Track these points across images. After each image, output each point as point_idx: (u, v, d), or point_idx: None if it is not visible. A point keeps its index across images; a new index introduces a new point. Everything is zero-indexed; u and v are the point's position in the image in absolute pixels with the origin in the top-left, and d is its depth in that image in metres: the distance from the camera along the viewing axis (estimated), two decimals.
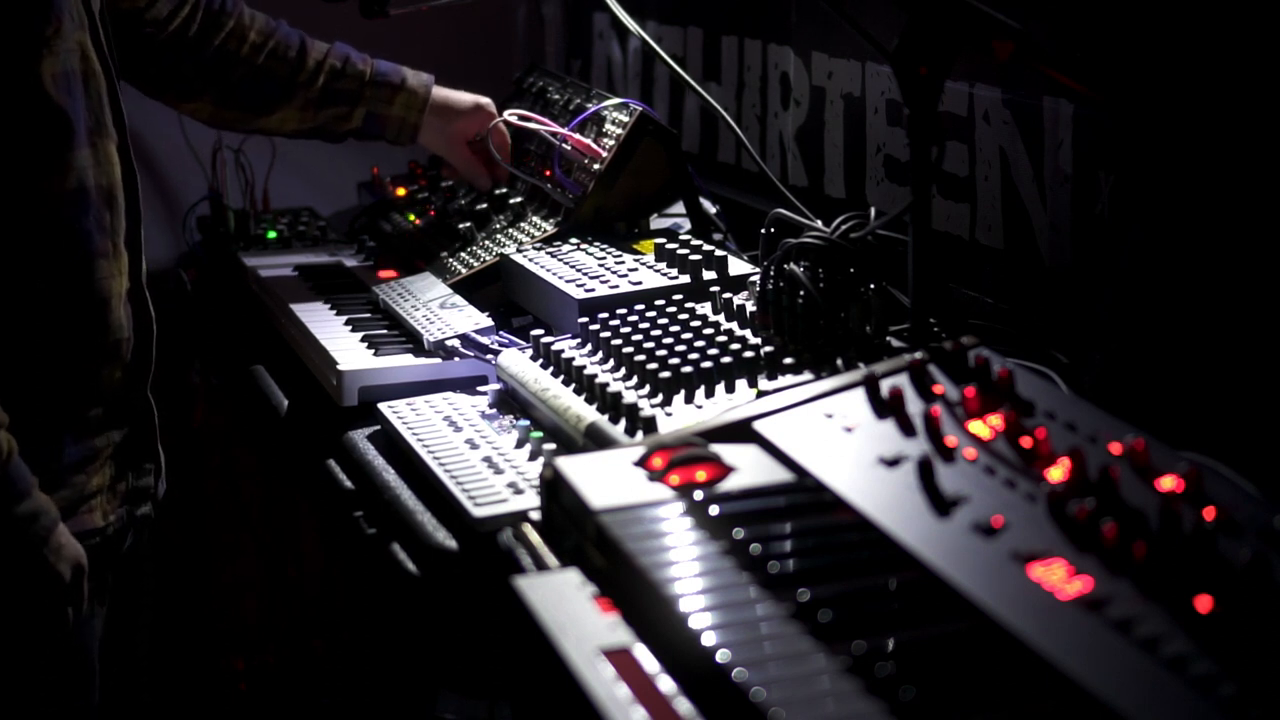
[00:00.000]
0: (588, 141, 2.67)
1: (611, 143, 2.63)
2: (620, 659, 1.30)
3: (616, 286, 2.31)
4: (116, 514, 2.14)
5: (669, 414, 1.90)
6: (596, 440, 1.90)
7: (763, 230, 2.38)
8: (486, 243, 2.70)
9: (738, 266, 2.37)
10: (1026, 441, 1.51)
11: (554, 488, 1.62)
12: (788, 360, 1.99)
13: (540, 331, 2.23)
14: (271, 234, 3.06)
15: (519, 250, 2.55)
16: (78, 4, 2.03)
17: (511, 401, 2.16)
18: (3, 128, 1.96)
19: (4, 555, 1.91)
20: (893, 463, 1.54)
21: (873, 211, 2.30)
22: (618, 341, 2.09)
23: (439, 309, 2.44)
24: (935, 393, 1.66)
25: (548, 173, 2.75)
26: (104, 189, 2.06)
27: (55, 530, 1.95)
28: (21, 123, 1.97)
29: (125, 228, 2.11)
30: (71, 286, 2.02)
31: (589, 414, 1.95)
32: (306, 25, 3.69)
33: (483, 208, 2.81)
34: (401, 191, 3.12)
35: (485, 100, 2.84)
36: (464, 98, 2.83)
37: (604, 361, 2.09)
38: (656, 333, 2.10)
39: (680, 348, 2.03)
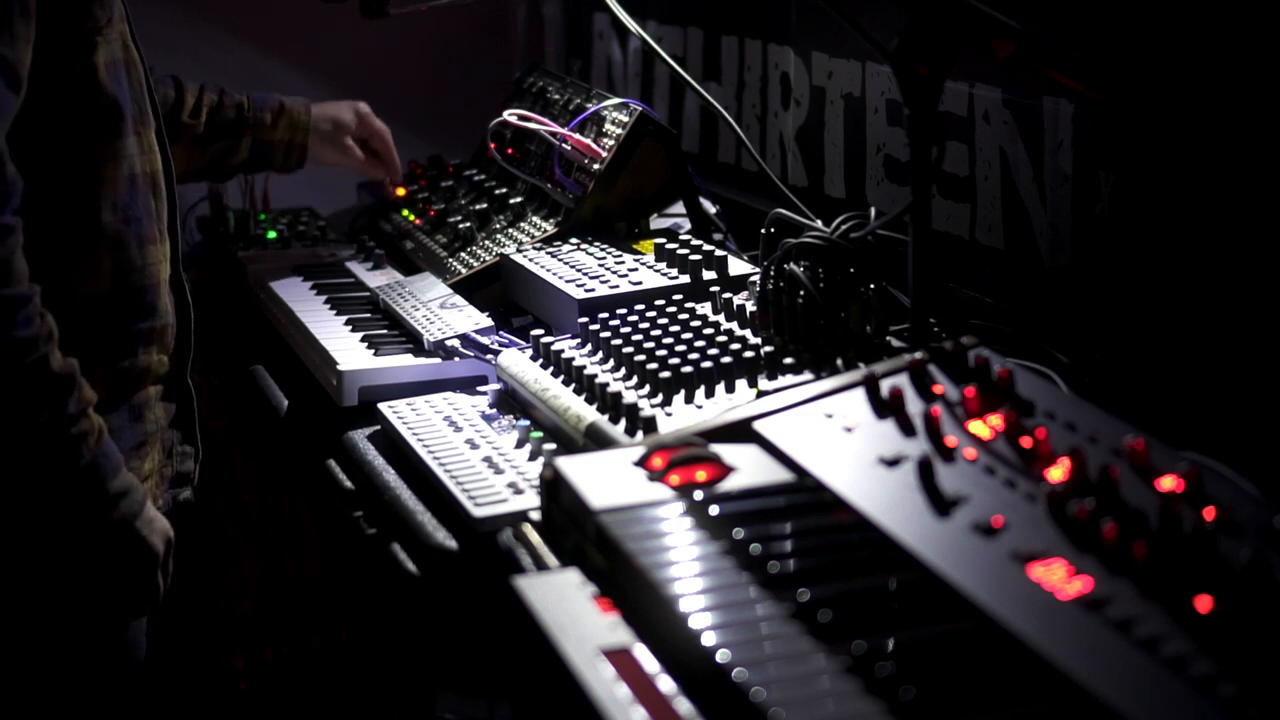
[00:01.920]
0: (588, 141, 2.67)
1: (611, 143, 2.63)
2: (620, 659, 1.30)
3: (616, 286, 2.31)
4: (164, 498, 2.16)
5: (669, 414, 1.90)
6: (596, 440, 1.90)
7: (763, 230, 2.38)
8: (486, 243, 2.70)
9: (738, 266, 2.37)
10: (1026, 441, 1.51)
11: (554, 488, 1.62)
12: (788, 360, 1.99)
13: (540, 331, 2.23)
14: (271, 234, 3.06)
15: (519, 250, 2.55)
16: None
17: (511, 401, 2.16)
18: (66, 115, 1.99)
19: (102, 530, 1.93)
20: (893, 463, 1.54)
21: (873, 211, 2.30)
22: (618, 341, 2.09)
23: (439, 309, 2.44)
24: (935, 393, 1.66)
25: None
26: (149, 175, 2.10)
27: (146, 504, 1.99)
28: (82, 110, 2.00)
29: (166, 214, 2.14)
30: (127, 273, 2.06)
31: (589, 414, 1.95)
32: (307, 25, 3.70)
33: (483, 208, 2.81)
34: (401, 191, 3.12)
35: (363, 107, 2.95)
36: (341, 106, 2.93)
37: (604, 361, 2.09)
38: (656, 333, 2.11)
39: (680, 348, 2.03)
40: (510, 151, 2.86)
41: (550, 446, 1.97)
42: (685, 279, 2.34)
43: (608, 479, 1.59)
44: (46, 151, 1.97)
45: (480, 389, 2.23)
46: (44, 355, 1.84)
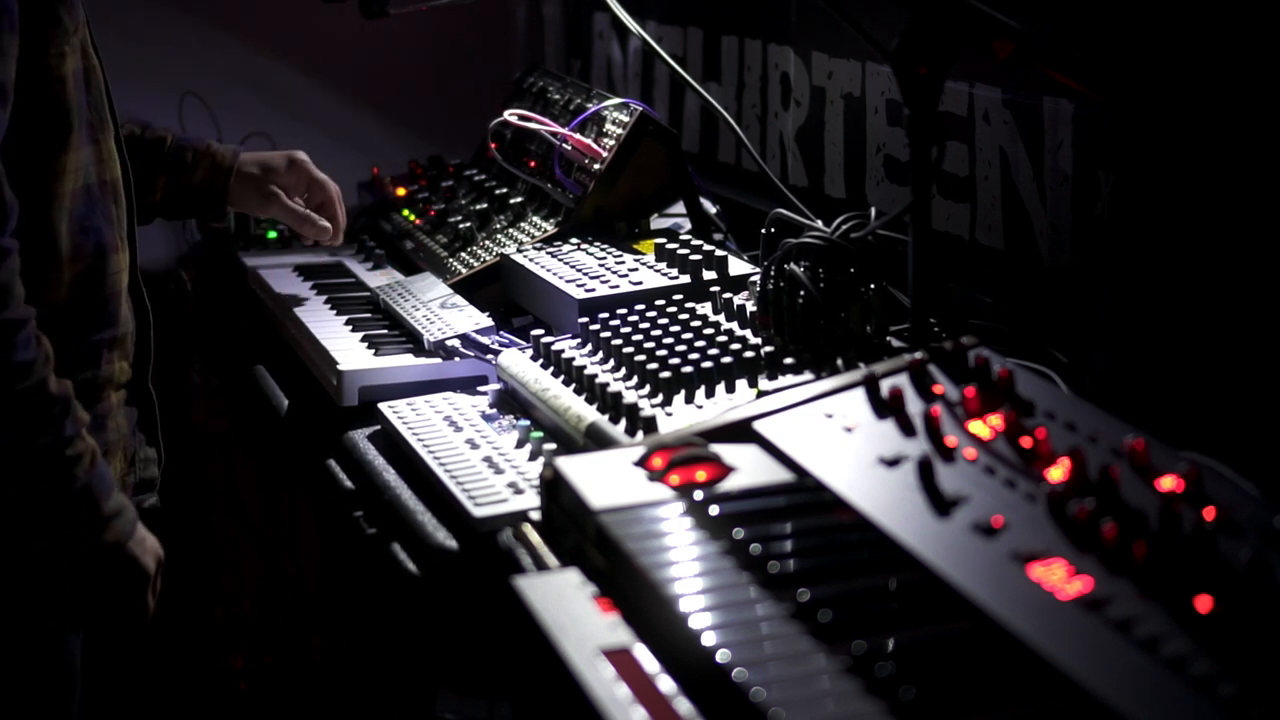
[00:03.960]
0: (588, 141, 2.67)
1: (611, 143, 2.63)
2: (620, 659, 1.30)
3: (616, 286, 2.31)
4: None
5: (669, 414, 1.90)
6: (596, 440, 1.90)
7: (763, 230, 2.38)
8: (486, 243, 2.70)
9: (738, 266, 2.37)
10: (1026, 441, 1.51)
11: (554, 488, 1.62)
12: (788, 360, 1.99)
13: (540, 331, 2.23)
14: (271, 234, 3.06)
15: (519, 250, 2.55)
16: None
17: (511, 401, 2.16)
18: (29, 127, 1.94)
19: (95, 550, 1.93)
20: (893, 463, 1.54)
21: (873, 211, 2.30)
22: (618, 341, 2.09)
23: (439, 309, 2.44)
24: (935, 393, 1.66)
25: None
26: (109, 184, 2.07)
27: (138, 525, 1.99)
28: (45, 122, 1.97)
29: (126, 221, 2.12)
30: (90, 283, 2.03)
31: (589, 414, 1.95)
32: (307, 25, 3.70)
33: (483, 208, 2.81)
34: (401, 191, 3.12)
35: (300, 156, 2.64)
36: (275, 155, 2.63)
37: (604, 361, 2.09)
38: (656, 333, 2.11)
39: (680, 348, 2.03)
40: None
41: (550, 446, 1.97)
42: (685, 279, 2.34)
43: (608, 479, 1.59)
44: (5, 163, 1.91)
45: (480, 389, 2.23)
46: (43, 379, 1.84)
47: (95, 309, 2.05)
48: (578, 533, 1.55)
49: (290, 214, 2.63)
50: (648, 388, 1.98)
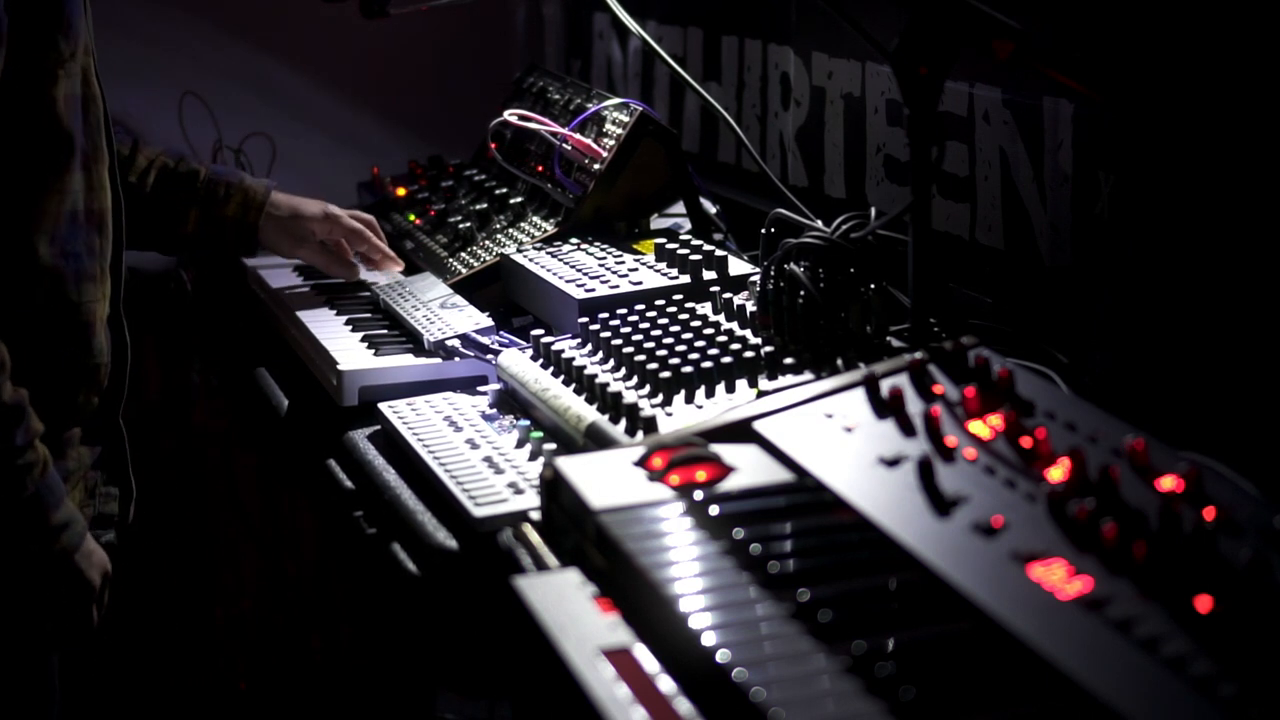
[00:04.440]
0: (588, 141, 2.67)
1: (611, 143, 2.63)
2: (620, 659, 1.30)
3: (616, 286, 2.31)
4: None
5: (669, 414, 1.90)
6: (596, 440, 1.90)
7: (763, 230, 2.38)
8: (486, 243, 2.70)
9: (738, 266, 2.37)
10: (1026, 441, 1.51)
11: (554, 488, 1.62)
12: (788, 360, 1.99)
13: (540, 331, 2.23)
14: None
15: (519, 250, 2.55)
16: (88, 28, 2.04)
17: (511, 401, 2.16)
18: (15, 145, 1.96)
19: (41, 561, 1.93)
20: (893, 463, 1.54)
21: (873, 211, 2.30)
22: (618, 341, 2.09)
23: (439, 309, 2.44)
24: (935, 393, 1.66)
25: (539, 168, 2.75)
26: (95, 213, 2.06)
27: (86, 537, 1.98)
28: (32, 142, 1.97)
29: (111, 252, 2.11)
30: (61, 309, 2.02)
31: (589, 414, 1.95)
32: (307, 25, 3.70)
33: (483, 208, 2.81)
34: (401, 191, 3.12)
35: (332, 209, 2.70)
36: (310, 204, 2.69)
37: (604, 361, 2.10)
38: (656, 333, 2.11)
39: (680, 348, 2.03)
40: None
41: (550, 446, 1.97)
42: (685, 279, 2.34)
43: (608, 479, 1.59)
44: None
45: (480, 389, 2.23)
46: None
47: (68, 334, 2.04)
48: (578, 533, 1.55)
49: (321, 259, 2.71)
50: (648, 388, 1.98)
